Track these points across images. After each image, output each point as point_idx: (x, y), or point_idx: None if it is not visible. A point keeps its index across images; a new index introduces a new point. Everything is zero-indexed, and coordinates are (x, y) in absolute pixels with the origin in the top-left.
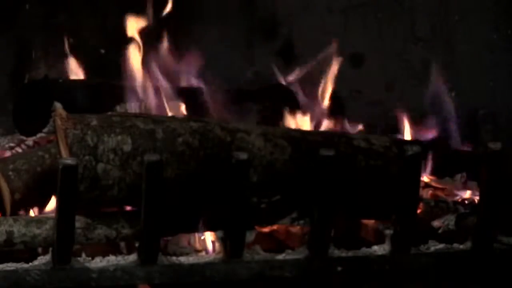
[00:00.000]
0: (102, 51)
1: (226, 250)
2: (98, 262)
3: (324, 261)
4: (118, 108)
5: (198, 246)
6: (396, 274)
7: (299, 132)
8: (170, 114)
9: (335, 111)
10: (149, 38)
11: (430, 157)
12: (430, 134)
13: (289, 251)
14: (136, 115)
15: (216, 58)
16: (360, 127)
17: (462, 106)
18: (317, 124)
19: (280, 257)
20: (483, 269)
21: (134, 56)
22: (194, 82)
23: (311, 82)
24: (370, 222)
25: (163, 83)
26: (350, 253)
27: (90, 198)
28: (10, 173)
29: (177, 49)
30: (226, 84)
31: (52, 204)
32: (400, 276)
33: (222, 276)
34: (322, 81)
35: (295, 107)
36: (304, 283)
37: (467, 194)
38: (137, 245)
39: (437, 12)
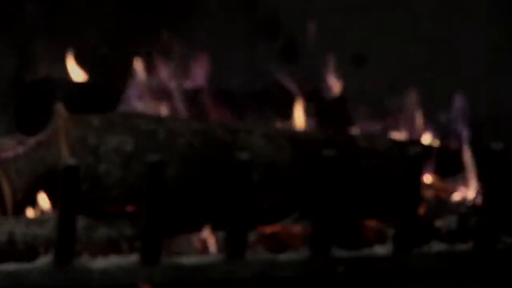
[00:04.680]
0: (104, 51)
1: (228, 250)
2: (99, 262)
3: (326, 261)
4: (120, 108)
5: (200, 246)
6: (399, 274)
7: (301, 132)
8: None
9: (337, 111)
10: (149, 37)
11: (432, 157)
12: (431, 134)
13: (291, 251)
14: (138, 115)
15: (217, 57)
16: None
17: (464, 106)
18: (318, 124)
19: (282, 257)
20: (486, 269)
21: (136, 56)
22: (195, 82)
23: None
24: (372, 222)
25: (165, 83)
26: (352, 254)
27: (92, 198)
28: (12, 173)
29: (177, 49)
30: (227, 84)
31: (53, 204)
32: (402, 277)
33: (224, 276)
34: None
35: (296, 107)
36: (306, 283)
37: (469, 194)
38: (139, 245)
39: (439, 12)
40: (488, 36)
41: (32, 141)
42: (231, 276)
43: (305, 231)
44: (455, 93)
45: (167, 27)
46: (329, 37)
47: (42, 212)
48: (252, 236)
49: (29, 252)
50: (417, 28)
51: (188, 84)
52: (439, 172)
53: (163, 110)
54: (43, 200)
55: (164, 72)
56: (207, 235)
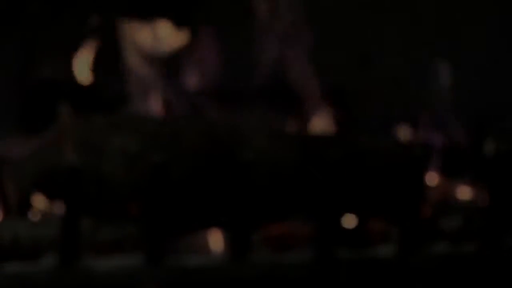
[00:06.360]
0: (108, 51)
1: (232, 251)
2: (104, 263)
3: (330, 262)
4: (124, 108)
5: (203, 246)
6: (403, 275)
7: (305, 132)
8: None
9: (341, 111)
10: (151, 37)
11: (436, 158)
12: (436, 134)
13: (296, 251)
14: (141, 116)
15: (219, 57)
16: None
17: (468, 107)
18: (322, 124)
19: (286, 257)
20: (491, 270)
21: (139, 55)
22: (197, 82)
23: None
24: (377, 223)
25: (168, 83)
26: (357, 254)
27: (96, 198)
28: (16, 173)
29: (179, 49)
30: (230, 84)
31: (58, 204)
32: (407, 277)
33: (228, 277)
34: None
35: (300, 107)
36: (311, 284)
37: (474, 195)
38: (143, 246)
39: (440, 12)
40: (488, 36)
41: (37, 141)
42: (235, 277)
43: (310, 231)
44: (458, 93)
45: (168, 26)
46: (332, 36)
47: (46, 212)
48: (257, 237)
49: (33, 252)
50: (418, 28)
51: (191, 84)
52: (444, 173)
53: (166, 110)
54: (47, 200)
55: (167, 72)
56: (212, 236)
